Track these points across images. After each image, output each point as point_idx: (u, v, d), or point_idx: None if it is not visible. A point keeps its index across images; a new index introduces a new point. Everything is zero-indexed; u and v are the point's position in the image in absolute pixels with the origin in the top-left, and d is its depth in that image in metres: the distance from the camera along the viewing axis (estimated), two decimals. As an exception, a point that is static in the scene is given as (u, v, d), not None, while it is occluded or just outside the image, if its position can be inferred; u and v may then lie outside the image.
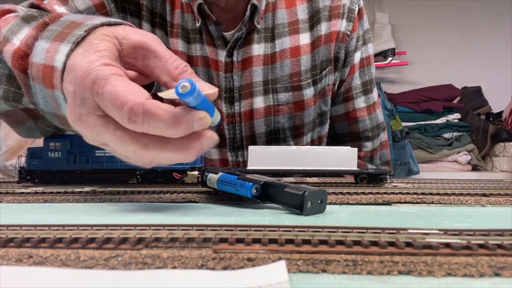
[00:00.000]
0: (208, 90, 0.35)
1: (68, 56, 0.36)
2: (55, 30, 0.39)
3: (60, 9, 0.64)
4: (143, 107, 0.31)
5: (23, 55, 0.40)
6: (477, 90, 2.17)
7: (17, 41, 0.41)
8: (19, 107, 0.49)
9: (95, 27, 0.37)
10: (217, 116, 0.36)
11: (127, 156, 0.35)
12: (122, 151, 0.34)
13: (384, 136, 0.85)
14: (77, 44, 0.36)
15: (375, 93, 0.82)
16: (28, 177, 0.53)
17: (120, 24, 0.39)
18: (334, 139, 0.84)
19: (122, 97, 0.31)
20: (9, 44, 0.42)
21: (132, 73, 0.37)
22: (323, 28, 0.74)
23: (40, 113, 0.45)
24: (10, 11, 0.50)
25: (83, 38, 0.36)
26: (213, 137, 0.35)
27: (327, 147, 0.55)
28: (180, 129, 0.32)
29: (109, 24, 0.39)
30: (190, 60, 0.72)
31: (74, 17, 0.41)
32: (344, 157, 0.54)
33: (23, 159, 0.54)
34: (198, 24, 0.70)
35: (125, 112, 0.31)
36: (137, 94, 0.32)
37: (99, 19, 0.39)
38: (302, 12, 0.74)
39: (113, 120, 0.33)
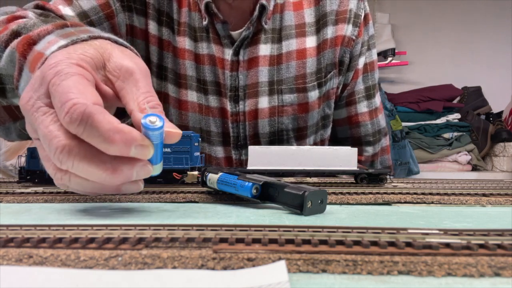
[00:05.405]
0: (172, 128, 0.33)
1: (60, 48, 0.36)
2: (67, 30, 0.40)
3: (64, 9, 0.64)
4: (85, 108, 0.30)
5: (31, 42, 0.41)
6: (477, 90, 2.17)
7: (31, 33, 0.42)
8: (2, 104, 0.51)
9: (99, 37, 0.38)
10: (158, 167, 0.34)
11: (48, 158, 0.33)
12: (46, 147, 0.32)
13: (385, 141, 0.86)
14: (75, 43, 0.37)
15: (377, 99, 0.83)
16: (28, 177, 0.53)
17: (125, 46, 0.39)
18: (335, 143, 0.85)
19: (71, 93, 0.31)
20: (21, 37, 0.42)
21: (104, 86, 0.36)
22: (329, 32, 0.74)
23: (20, 114, 0.45)
24: (20, 17, 0.52)
25: (82, 41, 0.37)
26: (148, 167, 0.32)
27: (327, 147, 0.55)
28: (114, 146, 0.30)
29: (116, 42, 0.39)
30: (197, 58, 0.72)
31: (91, 28, 0.43)
32: (344, 157, 0.54)
33: (23, 159, 0.54)
34: (205, 23, 0.70)
35: (66, 107, 0.30)
36: (87, 97, 0.31)
37: (108, 34, 0.40)
38: (309, 16, 0.74)
39: (53, 114, 0.32)
